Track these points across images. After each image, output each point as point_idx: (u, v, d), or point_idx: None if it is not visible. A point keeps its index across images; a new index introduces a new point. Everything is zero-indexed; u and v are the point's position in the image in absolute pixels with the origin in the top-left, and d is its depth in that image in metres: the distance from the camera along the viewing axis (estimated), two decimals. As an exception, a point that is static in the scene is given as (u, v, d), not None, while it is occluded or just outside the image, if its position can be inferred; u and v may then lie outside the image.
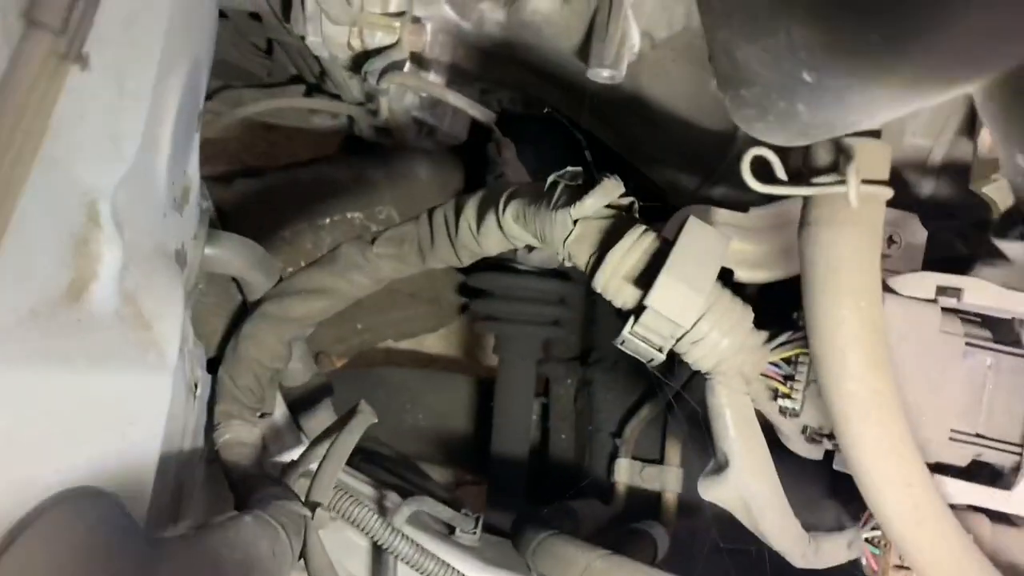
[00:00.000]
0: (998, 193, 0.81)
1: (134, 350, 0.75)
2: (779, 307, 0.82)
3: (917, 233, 0.83)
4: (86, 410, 0.67)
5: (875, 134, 0.58)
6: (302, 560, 0.88)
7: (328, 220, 1.49)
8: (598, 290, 0.78)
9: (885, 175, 0.58)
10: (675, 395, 1.22)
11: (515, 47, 1.16)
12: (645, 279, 0.74)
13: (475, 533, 1.17)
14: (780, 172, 0.59)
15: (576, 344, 1.60)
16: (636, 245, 0.75)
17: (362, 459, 1.34)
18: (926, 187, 0.90)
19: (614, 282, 0.75)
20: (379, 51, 1.17)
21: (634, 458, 1.36)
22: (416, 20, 1.17)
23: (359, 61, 1.19)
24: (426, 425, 1.76)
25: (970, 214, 0.88)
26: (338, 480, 1.03)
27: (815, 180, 0.58)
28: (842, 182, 0.56)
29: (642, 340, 0.74)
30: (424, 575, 0.99)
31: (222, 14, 1.29)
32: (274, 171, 1.64)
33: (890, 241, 0.83)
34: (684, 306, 0.70)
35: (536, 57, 1.17)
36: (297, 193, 1.56)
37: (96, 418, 0.68)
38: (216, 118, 1.47)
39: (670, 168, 1.24)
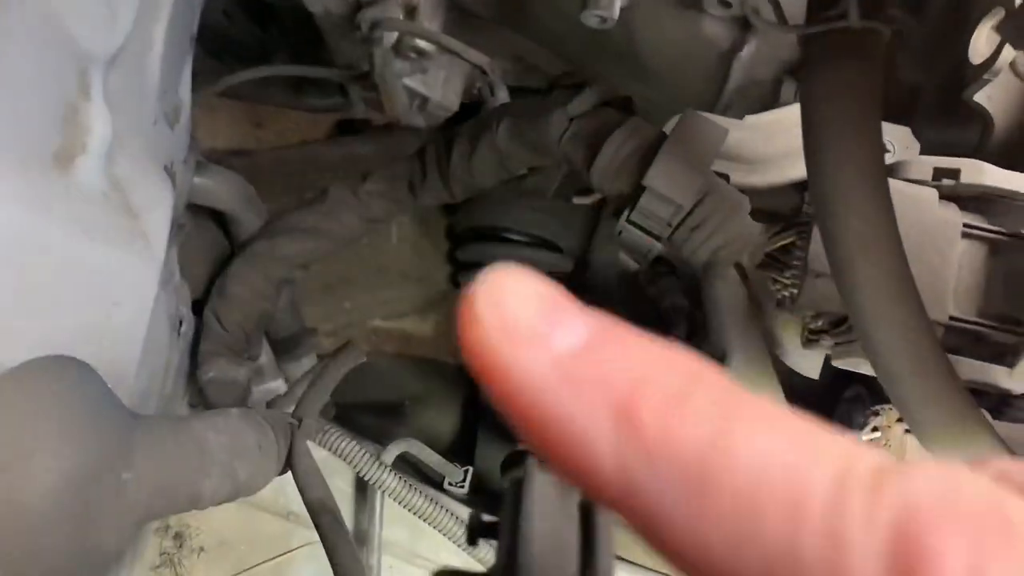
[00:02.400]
0: (990, 101, 0.82)
1: (121, 233, 0.73)
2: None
3: (910, 145, 0.83)
4: (71, 273, 0.65)
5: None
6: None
7: (316, 196, 1.49)
8: (594, 182, 0.77)
9: (883, 9, 0.58)
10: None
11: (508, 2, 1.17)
12: (643, 164, 0.73)
13: (463, 487, 1.14)
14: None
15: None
16: (634, 133, 0.75)
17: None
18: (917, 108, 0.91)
19: (611, 168, 0.75)
20: (373, 2, 1.18)
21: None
22: (410, -29, 1.18)
23: (353, 15, 1.20)
24: (412, 413, 1.74)
25: (960, 135, 0.88)
26: (323, 419, 1.01)
27: (817, 16, 0.58)
28: (843, 16, 0.57)
29: (640, 228, 0.74)
30: (411, 510, 0.97)
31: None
32: (262, 152, 1.64)
33: (882, 150, 0.83)
34: (683, 185, 0.70)
35: (528, 12, 1.18)
36: (285, 171, 1.56)
37: (81, 286, 0.66)
38: (201, 91, 1.47)
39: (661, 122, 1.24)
